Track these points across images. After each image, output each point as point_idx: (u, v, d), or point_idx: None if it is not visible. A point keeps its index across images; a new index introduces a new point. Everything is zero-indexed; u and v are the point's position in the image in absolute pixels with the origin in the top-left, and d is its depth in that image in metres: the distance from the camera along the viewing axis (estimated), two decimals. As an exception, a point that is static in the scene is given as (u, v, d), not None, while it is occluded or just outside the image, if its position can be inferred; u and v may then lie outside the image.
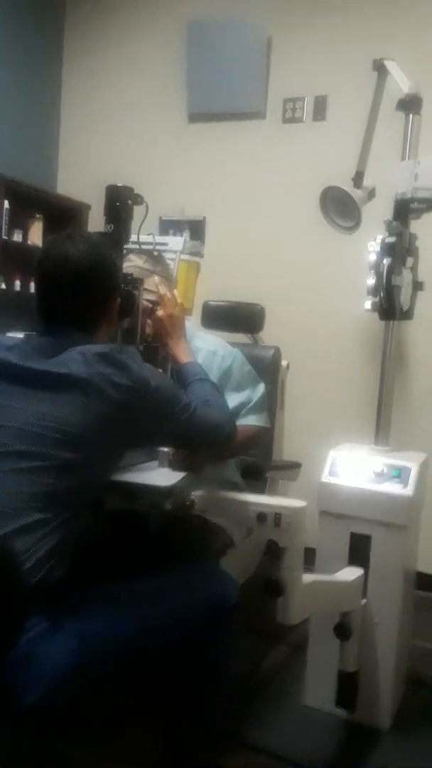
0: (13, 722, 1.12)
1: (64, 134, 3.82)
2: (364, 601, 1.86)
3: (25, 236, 3.39)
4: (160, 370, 1.55)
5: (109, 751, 1.59)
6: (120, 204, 1.60)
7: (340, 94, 3.09)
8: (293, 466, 2.25)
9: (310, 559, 1.78)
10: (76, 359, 1.26)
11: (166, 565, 1.52)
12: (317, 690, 1.96)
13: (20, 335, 1.43)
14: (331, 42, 3.09)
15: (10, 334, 2.07)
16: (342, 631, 1.79)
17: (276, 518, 1.49)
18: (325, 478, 1.92)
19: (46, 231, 3.42)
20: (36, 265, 1.36)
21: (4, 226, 3.17)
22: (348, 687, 1.91)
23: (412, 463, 1.88)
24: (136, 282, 1.58)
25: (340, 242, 2.46)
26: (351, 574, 1.83)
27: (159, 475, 1.55)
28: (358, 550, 1.87)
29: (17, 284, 3.33)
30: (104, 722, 1.48)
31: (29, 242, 3.38)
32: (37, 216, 3.44)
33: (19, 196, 3.25)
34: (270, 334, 2.50)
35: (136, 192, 1.63)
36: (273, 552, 1.51)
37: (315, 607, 1.69)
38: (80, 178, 3.63)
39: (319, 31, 3.12)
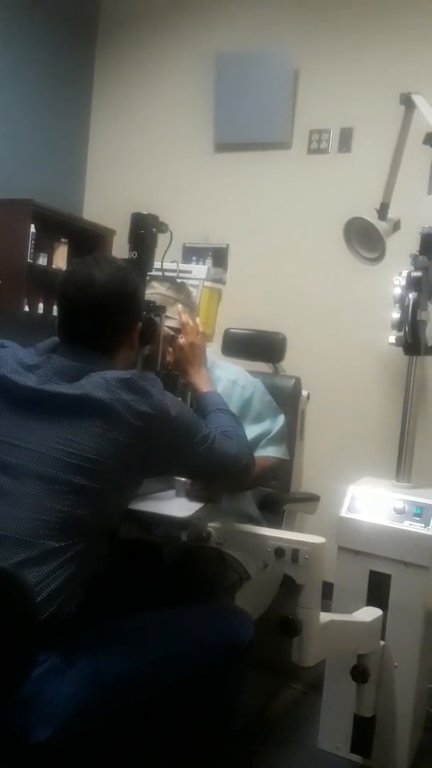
0: (21, 760, 1.09)
1: (92, 160, 3.88)
2: (382, 643, 1.80)
3: (50, 260, 3.42)
4: (180, 399, 1.54)
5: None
6: (144, 232, 1.60)
7: (366, 126, 3.10)
8: (312, 499, 2.21)
9: (328, 593, 1.73)
10: (97, 384, 1.25)
11: (180, 598, 1.48)
12: (332, 733, 1.90)
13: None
14: (358, 74, 3.11)
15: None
16: (359, 673, 1.74)
17: (294, 554, 1.46)
18: (344, 513, 1.88)
19: (71, 255, 3.44)
20: (58, 287, 1.36)
21: (30, 250, 3.20)
22: (364, 731, 1.85)
23: (434, 501, 1.83)
24: (158, 309, 1.58)
25: (363, 274, 2.45)
26: (369, 614, 1.78)
27: (176, 505, 1.52)
28: (377, 590, 1.82)
29: (40, 307, 3.35)
30: (114, 759, 1.43)
31: (54, 266, 3.41)
32: (63, 240, 3.47)
33: (45, 221, 3.29)
34: (291, 364, 2.48)
35: (161, 219, 1.64)
36: (290, 588, 1.48)
37: (331, 648, 1.65)
38: (106, 204, 3.67)
39: (346, 64, 3.14)
